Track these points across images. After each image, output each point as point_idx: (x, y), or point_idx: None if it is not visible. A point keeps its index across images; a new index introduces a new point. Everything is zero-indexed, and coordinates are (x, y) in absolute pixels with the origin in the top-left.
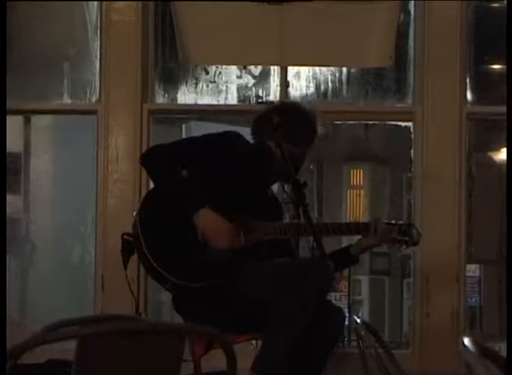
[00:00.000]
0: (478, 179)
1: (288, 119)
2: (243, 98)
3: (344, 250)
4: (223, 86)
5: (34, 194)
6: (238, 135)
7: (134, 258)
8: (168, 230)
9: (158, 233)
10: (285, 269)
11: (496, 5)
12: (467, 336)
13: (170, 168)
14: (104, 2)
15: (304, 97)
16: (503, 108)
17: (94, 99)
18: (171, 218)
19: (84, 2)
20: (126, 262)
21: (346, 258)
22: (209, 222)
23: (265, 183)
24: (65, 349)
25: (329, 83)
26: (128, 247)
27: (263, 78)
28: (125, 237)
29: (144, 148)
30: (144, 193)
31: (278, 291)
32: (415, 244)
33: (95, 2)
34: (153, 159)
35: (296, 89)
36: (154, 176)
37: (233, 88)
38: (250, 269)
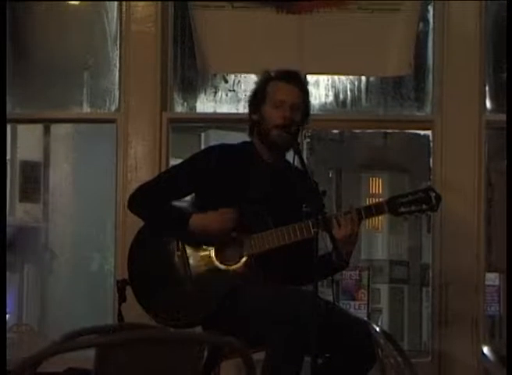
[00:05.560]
0: (497, 187)
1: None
2: None
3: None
4: (242, 94)
5: (54, 203)
6: (218, 146)
7: None
8: (150, 270)
9: (143, 273)
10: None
11: None
12: (486, 345)
13: (157, 207)
14: (123, 13)
15: (323, 105)
16: None
17: (113, 108)
18: (154, 257)
19: (104, 12)
20: (119, 306)
21: (329, 266)
22: (200, 220)
23: (260, 186)
24: (85, 358)
25: (348, 92)
26: (122, 293)
27: None
28: (119, 285)
29: (164, 157)
30: None
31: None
32: (434, 209)
33: (115, 13)
34: (138, 204)
35: (315, 97)
36: (144, 220)
37: None
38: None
